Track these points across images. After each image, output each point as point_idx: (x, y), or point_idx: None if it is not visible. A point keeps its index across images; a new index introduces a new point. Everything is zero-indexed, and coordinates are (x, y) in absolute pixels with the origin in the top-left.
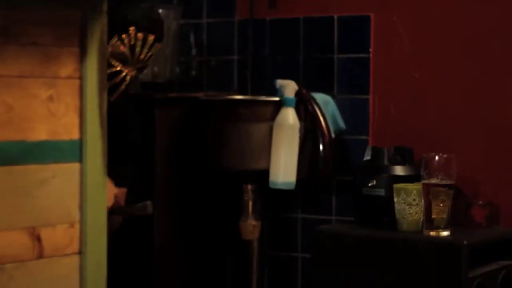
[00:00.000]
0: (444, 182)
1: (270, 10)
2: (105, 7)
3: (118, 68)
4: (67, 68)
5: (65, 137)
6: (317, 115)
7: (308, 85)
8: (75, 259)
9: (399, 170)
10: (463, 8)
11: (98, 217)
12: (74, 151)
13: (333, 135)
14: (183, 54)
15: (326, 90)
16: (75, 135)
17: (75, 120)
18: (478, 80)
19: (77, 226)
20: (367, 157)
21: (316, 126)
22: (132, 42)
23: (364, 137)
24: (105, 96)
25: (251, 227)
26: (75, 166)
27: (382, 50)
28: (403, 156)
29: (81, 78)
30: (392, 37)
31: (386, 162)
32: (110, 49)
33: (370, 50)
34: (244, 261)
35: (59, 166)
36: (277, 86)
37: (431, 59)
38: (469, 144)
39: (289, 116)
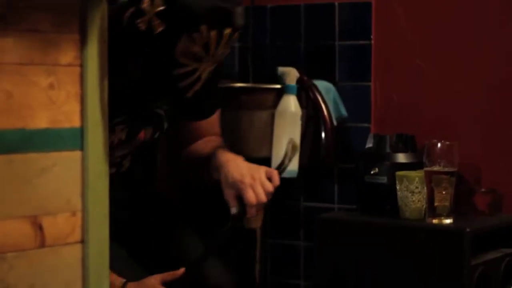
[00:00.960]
0: (446, 169)
1: None
2: None
3: (193, 67)
4: (68, 55)
5: (66, 125)
6: (318, 102)
7: (310, 72)
8: (77, 248)
9: (401, 158)
10: None
11: (100, 206)
12: (75, 139)
13: (335, 122)
14: None
15: (328, 77)
16: (76, 122)
17: (76, 108)
18: (480, 66)
19: (79, 214)
20: (369, 144)
21: (317, 114)
22: (205, 41)
23: (366, 125)
24: (106, 83)
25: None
26: (76, 154)
27: (383, 37)
28: (405, 143)
29: (81, 65)
30: (394, 23)
31: (388, 149)
32: (180, 49)
33: (372, 36)
34: (247, 249)
35: (60, 154)
36: (278, 73)
37: (433, 45)
38: (471, 131)
39: (291, 104)
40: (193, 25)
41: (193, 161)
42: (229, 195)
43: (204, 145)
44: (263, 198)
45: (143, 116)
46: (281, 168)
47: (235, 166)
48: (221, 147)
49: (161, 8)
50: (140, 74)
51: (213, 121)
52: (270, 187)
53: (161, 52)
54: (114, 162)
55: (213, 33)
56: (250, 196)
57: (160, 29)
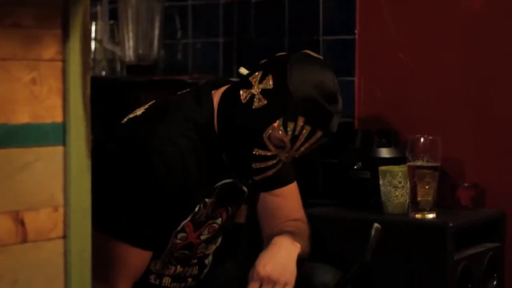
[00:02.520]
0: (429, 164)
1: None
2: None
3: (272, 153)
4: (50, 50)
5: (48, 120)
6: None
7: None
8: (60, 243)
9: (384, 153)
10: None
11: (82, 201)
12: (57, 134)
13: None
14: (168, 37)
15: None
16: (58, 118)
17: (58, 103)
18: (464, 61)
19: (61, 210)
20: (353, 139)
21: None
22: (296, 133)
23: (349, 120)
24: (88, 78)
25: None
26: (59, 149)
27: (367, 32)
28: (388, 138)
29: (64, 60)
30: (378, 18)
31: (371, 144)
32: (269, 131)
33: (356, 31)
34: (231, 245)
35: (42, 150)
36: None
37: (416, 40)
38: (454, 126)
39: None
40: (293, 113)
41: None
42: (250, 276)
43: (279, 229)
44: None
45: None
46: (368, 250)
47: (270, 254)
48: (289, 232)
49: (269, 87)
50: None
51: (294, 205)
52: None
53: (251, 127)
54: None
55: (306, 129)
56: None
57: (259, 106)
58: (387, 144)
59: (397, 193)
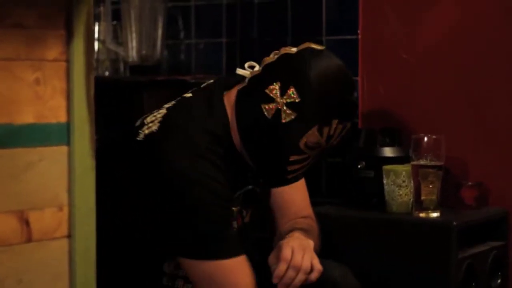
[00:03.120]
0: (433, 163)
1: None
2: None
3: (307, 155)
4: (54, 50)
5: (52, 120)
6: None
7: None
8: (64, 242)
9: (388, 152)
10: None
11: (87, 200)
12: (62, 134)
13: None
14: (172, 37)
15: None
16: (62, 118)
17: (62, 103)
18: (467, 60)
19: (65, 209)
20: (356, 138)
21: None
22: (331, 134)
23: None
24: (92, 78)
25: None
26: (63, 149)
27: (370, 31)
28: (392, 137)
29: (67, 60)
30: (380, 18)
31: (375, 144)
32: (305, 139)
33: (359, 31)
34: None
35: (46, 149)
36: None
37: (419, 39)
38: (458, 125)
39: None
40: (327, 119)
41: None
42: (271, 258)
43: (289, 226)
44: (289, 280)
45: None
46: None
47: (291, 242)
48: (301, 229)
49: (295, 100)
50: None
51: (303, 203)
52: (301, 279)
53: (286, 140)
54: None
55: (339, 127)
56: (279, 271)
57: (289, 119)
58: (391, 143)
59: (401, 192)
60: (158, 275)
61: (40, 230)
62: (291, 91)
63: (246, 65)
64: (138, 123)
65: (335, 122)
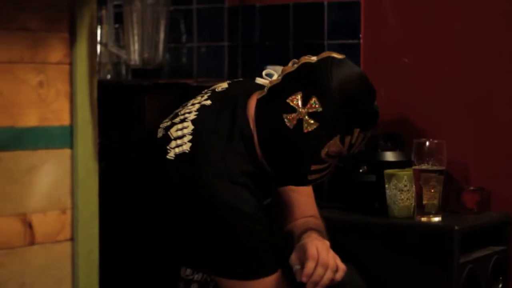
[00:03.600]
0: (435, 167)
1: None
2: None
3: (328, 164)
4: (57, 53)
5: (56, 123)
6: None
7: None
8: (67, 245)
9: (390, 156)
10: None
11: (90, 203)
12: (65, 137)
13: None
14: (173, 41)
15: None
16: (65, 121)
17: (66, 106)
18: (469, 65)
19: (68, 212)
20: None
21: None
22: (353, 142)
23: None
24: (95, 81)
25: None
26: (66, 152)
27: (372, 36)
28: (394, 142)
29: (71, 63)
30: (382, 22)
31: (377, 148)
32: (326, 149)
33: (360, 35)
34: None
35: (49, 152)
36: (267, 72)
37: (421, 44)
38: (460, 129)
39: None
40: (349, 129)
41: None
42: (293, 259)
43: (300, 225)
44: (318, 278)
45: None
46: None
47: (314, 241)
48: (314, 230)
49: (318, 110)
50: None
51: (310, 201)
52: (329, 277)
53: (308, 150)
54: None
55: (361, 136)
56: (308, 269)
57: (311, 128)
58: (393, 147)
59: (402, 197)
60: (174, 280)
61: (43, 233)
62: (313, 100)
63: (264, 73)
64: (160, 134)
65: (357, 131)
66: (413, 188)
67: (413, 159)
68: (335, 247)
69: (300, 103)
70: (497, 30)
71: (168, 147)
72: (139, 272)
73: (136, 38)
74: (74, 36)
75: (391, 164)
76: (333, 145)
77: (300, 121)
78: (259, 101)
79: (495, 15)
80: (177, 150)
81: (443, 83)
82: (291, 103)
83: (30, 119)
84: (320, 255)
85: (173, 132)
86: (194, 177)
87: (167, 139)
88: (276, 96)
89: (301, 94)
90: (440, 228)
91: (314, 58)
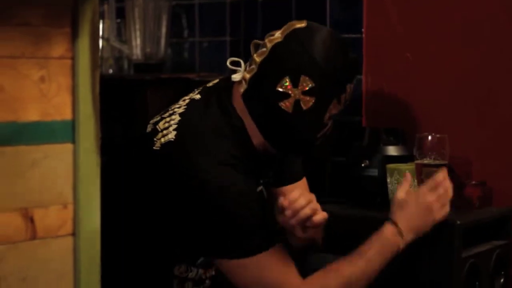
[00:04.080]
0: (437, 162)
1: None
2: None
3: (329, 124)
4: (59, 48)
5: (57, 117)
6: None
7: None
8: (69, 240)
9: (392, 151)
10: None
11: (92, 198)
12: (67, 131)
13: None
14: (175, 35)
15: None
16: (67, 115)
17: (68, 101)
18: (471, 59)
19: (70, 207)
20: (360, 137)
21: None
22: (347, 97)
23: (357, 118)
24: (97, 76)
25: None
26: (68, 146)
27: (374, 30)
28: (396, 136)
29: (73, 58)
30: (384, 17)
31: (379, 142)
32: (328, 114)
33: (363, 30)
34: None
35: (51, 147)
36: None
37: (423, 39)
38: (462, 124)
39: None
40: (342, 88)
41: None
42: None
43: None
44: (299, 207)
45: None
46: None
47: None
48: None
49: (310, 85)
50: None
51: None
52: (307, 213)
53: (312, 123)
54: None
55: (351, 86)
56: (292, 196)
57: (309, 104)
58: (395, 142)
59: None
60: (168, 278)
61: (44, 228)
62: (303, 79)
63: (228, 63)
64: (149, 129)
65: (349, 86)
66: (415, 183)
67: (415, 154)
68: (336, 241)
69: (291, 86)
70: (499, 25)
71: (155, 139)
72: (135, 270)
73: (138, 33)
74: (76, 31)
75: (393, 159)
76: (333, 108)
77: (297, 103)
78: (245, 96)
79: (497, 10)
80: (162, 140)
81: (446, 78)
82: (282, 90)
83: (32, 114)
84: (306, 192)
85: (161, 125)
86: (181, 162)
87: (154, 132)
88: (262, 86)
89: (288, 78)
90: (442, 222)
91: (278, 35)
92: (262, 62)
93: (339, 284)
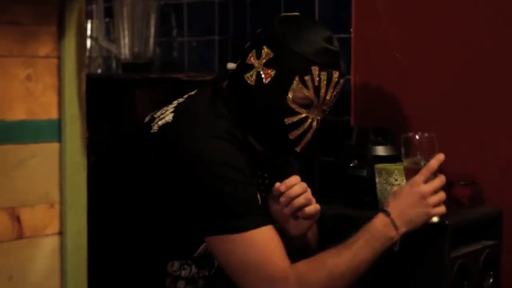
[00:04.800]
0: (423, 162)
1: None
2: None
3: (303, 115)
4: (46, 47)
5: (44, 116)
6: None
7: None
8: (55, 239)
9: (380, 151)
10: None
11: (78, 197)
12: (53, 130)
13: None
14: (164, 35)
15: None
16: (53, 114)
17: (54, 100)
18: (459, 58)
19: (56, 206)
20: (348, 137)
21: None
22: (316, 84)
23: (345, 117)
24: (83, 75)
25: None
26: (54, 146)
27: (363, 30)
28: (384, 136)
29: (59, 57)
30: (373, 17)
31: (367, 142)
32: (291, 95)
33: (351, 30)
34: None
35: (37, 146)
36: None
37: (412, 39)
38: (451, 123)
39: None
40: (305, 67)
41: None
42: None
43: None
44: (294, 194)
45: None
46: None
47: None
48: None
49: (270, 56)
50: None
51: None
52: (301, 202)
53: (273, 100)
54: None
55: (323, 75)
56: (289, 181)
57: (270, 77)
58: (383, 142)
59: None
60: (161, 276)
61: (31, 227)
62: (265, 50)
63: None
64: (147, 119)
65: (315, 69)
66: (404, 182)
67: (403, 153)
68: (326, 241)
69: (254, 58)
70: (488, 25)
71: (152, 124)
72: (126, 268)
73: (126, 32)
74: (63, 30)
75: (381, 159)
76: (297, 90)
77: (259, 74)
78: (229, 80)
79: (485, 10)
80: (160, 123)
81: (434, 77)
82: (249, 62)
83: (18, 113)
84: (302, 183)
85: (158, 113)
86: (176, 139)
87: (152, 119)
88: (237, 66)
89: (254, 51)
90: (431, 222)
91: None
92: (245, 48)
93: (322, 275)
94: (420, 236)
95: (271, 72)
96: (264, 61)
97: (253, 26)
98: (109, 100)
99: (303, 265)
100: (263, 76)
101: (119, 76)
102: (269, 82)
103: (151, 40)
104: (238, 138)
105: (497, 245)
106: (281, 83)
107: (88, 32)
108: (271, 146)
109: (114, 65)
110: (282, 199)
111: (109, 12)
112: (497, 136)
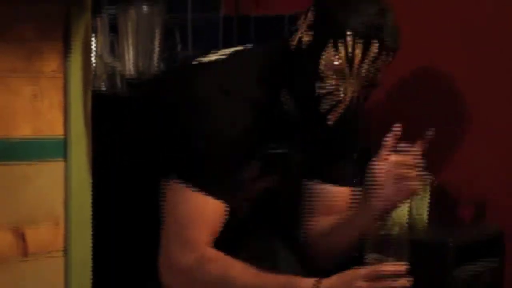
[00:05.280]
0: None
1: (255, 7)
2: (89, 2)
3: (334, 84)
4: (51, 64)
5: (49, 134)
6: None
7: None
8: (60, 257)
9: None
10: None
11: (83, 215)
12: (59, 148)
13: None
14: (168, 50)
15: None
16: (59, 132)
17: (59, 117)
18: (457, 66)
19: (61, 224)
20: None
21: None
22: (350, 51)
23: None
24: (89, 93)
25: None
26: (60, 163)
27: None
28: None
29: (65, 74)
30: None
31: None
32: (323, 60)
33: None
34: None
35: (43, 164)
36: None
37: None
38: (454, 140)
39: None
40: (339, 30)
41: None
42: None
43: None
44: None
45: (275, 157)
46: None
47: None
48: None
49: (312, 19)
50: (289, 99)
51: (347, 197)
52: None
53: (307, 65)
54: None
55: (358, 43)
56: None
57: (308, 39)
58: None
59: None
60: (157, 275)
61: (36, 245)
62: (310, 12)
63: None
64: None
65: (349, 33)
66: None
67: None
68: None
69: (302, 20)
70: (489, 25)
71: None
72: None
73: (131, 47)
74: (69, 47)
75: None
76: (329, 54)
77: (300, 38)
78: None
79: (483, 12)
80: (208, 59)
81: (434, 88)
82: (296, 26)
83: (24, 131)
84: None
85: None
86: (191, 75)
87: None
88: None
89: (304, 13)
90: (433, 241)
91: None
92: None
93: (215, 277)
94: (422, 256)
95: (310, 35)
96: (307, 23)
97: (257, 42)
98: (114, 116)
99: (214, 253)
100: (303, 38)
101: (123, 93)
102: (307, 45)
103: (156, 56)
104: (264, 105)
105: (500, 263)
106: (316, 46)
107: (93, 49)
108: (304, 115)
109: (118, 81)
110: (393, 158)
111: (112, 28)
112: (500, 152)
